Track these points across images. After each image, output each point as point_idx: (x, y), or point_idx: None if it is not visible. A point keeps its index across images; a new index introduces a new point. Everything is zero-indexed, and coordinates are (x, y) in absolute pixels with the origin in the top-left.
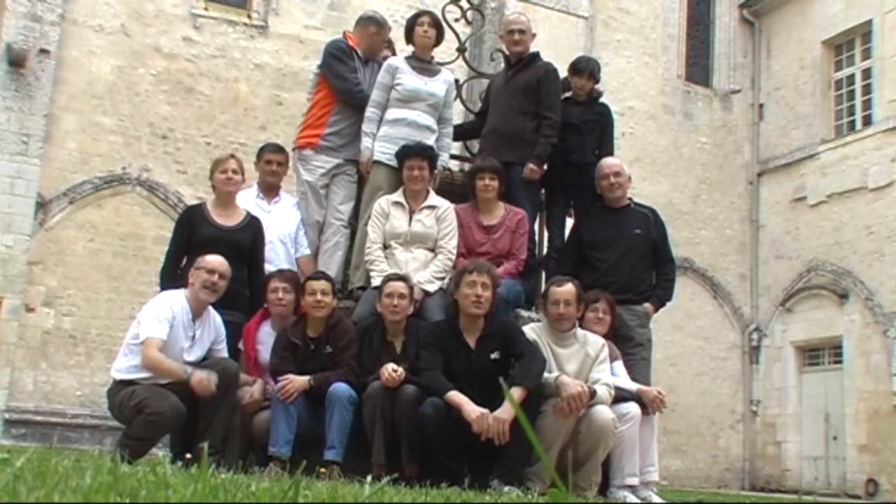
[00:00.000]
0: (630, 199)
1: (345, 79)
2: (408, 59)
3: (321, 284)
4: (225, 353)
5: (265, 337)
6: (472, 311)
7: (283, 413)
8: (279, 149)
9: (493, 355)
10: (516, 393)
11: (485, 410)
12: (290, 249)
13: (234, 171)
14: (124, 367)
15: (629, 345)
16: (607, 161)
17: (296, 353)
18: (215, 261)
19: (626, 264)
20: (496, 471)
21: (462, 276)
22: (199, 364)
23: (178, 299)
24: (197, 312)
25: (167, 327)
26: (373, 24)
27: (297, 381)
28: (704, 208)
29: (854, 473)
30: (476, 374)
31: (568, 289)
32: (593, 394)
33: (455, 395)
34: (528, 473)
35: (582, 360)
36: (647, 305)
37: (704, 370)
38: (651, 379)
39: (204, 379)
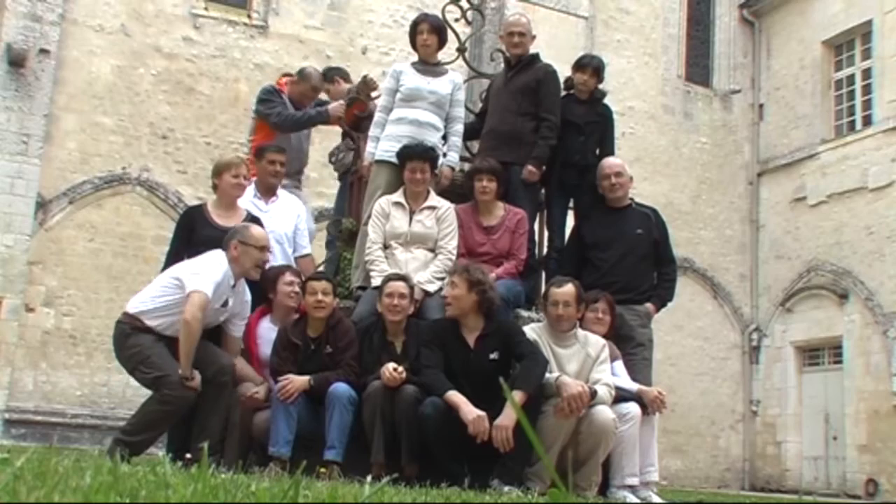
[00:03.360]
0: (631, 199)
1: (266, 113)
2: (413, 63)
3: (322, 285)
4: (240, 330)
5: (265, 332)
6: (460, 318)
7: (283, 413)
8: (281, 149)
9: (492, 355)
10: (517, 396)
11: (482, 413)
12: (287, 249)
13: (245, 177)
14: (147, 307)
15: (630, 345)
16: (608, 161)
17: (296, 353)
18: (264, 236)
19: (627, 264)
20: (496, 471)
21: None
22: (201, 361)
23: (225, 264)
24: (236, 279)
25: (212, 289)
26: (299, 77)
27: (297, 381)
28: (704, 208)
29: (854, 473)
30: (475, 374)
31: (567, 290)
32: (594, 394)
33: (454, 395)
34: (529, 473)
35: (582, 361)
36: (649, 306)
37: (704, 370)
38: (651, 379)
39: (196, 386)
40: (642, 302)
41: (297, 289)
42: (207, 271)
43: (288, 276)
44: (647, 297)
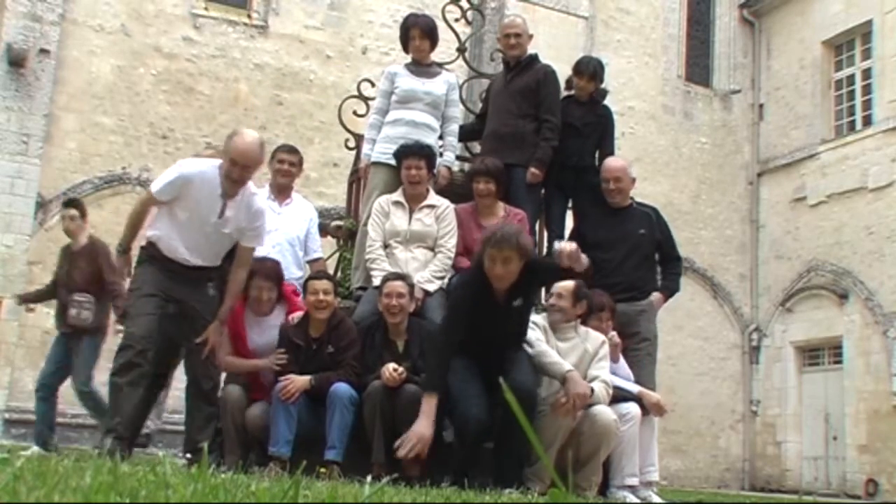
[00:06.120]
0: (632, 198)
1: None
2: (406, 64)
3: (323, 284)
4: (259, 238)
5: (251, 321)
6: (495, 284)
7: (283, 413)
8: (293, 150)
9: (516, 303)
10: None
11: (426, 435)
12: (298, 252)
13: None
14: (151, 227)
15: (635, 339)
16: (609, 165)
17: (298, 354)
18: (243, 152)
19: (630, 264)
20: (494, 475)
21: (485, 247)
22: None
23: (204, 169)
24: (228, 193)
25: (172, 192)
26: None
27: (298, 381)
28: (704, 208)
29: (854, 473)
30: (499, 326)
31: (566, 283)
32: (591, 392)
33: (427, 402)
34: (528, 473)
35: (581, 355)
36: (657, 295)
37: (704, 370)
38: (655, 376)
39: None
40: (645, 297)
41: (265, 294)
42: (172, 170)
43: (255, 281)
44: (650, 293)
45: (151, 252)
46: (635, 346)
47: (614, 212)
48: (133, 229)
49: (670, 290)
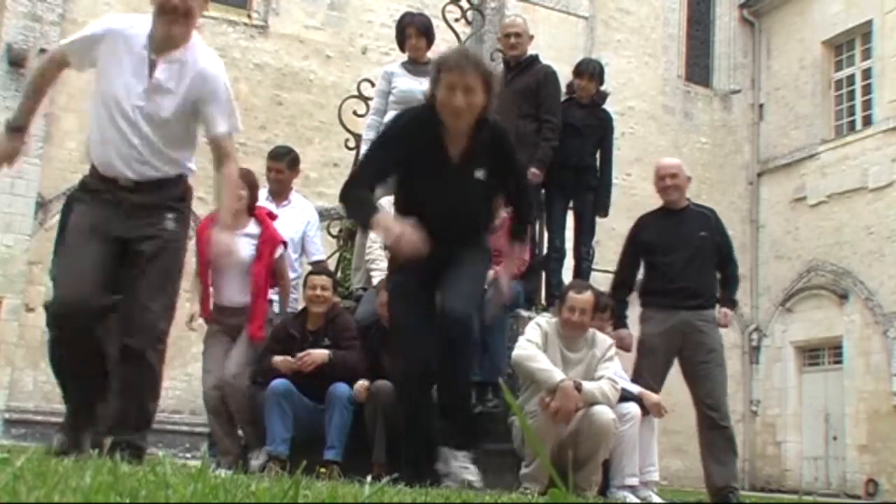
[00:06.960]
0: (688, 199)
1: None
2: (403, 63)
3: (321, 280)
4: (228, 116)
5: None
6: (450, 122)
7: (278, 411)
8: (277, 155)
9: (478, 174)
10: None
11: (403, 233)
12: (292, 255)
13: None
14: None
15: (703, 351)
16: (664, 162)
17: (293, 345)
18: None
19: (693, 268)
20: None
21: (439, 74)
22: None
23: (131, 23)
24: (161, 44)
25: (84, 46)
26: None
27: (315, 354)
28: None
29: (854, 473)
30: (453, 196)
31: (587, 297)
32: (579, 388)
33: (375, 223)
34: (524, 475)
35: (588, 362)
36: (727, 312)
37: None
38: (727, 386)
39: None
40: (709, 307)
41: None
42: (88, 26)
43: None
44: (713, 302)
45: (85, 180)
46: (704, 359)
47: (673, 214)
48: (33, 97)
49: (734, 303)
